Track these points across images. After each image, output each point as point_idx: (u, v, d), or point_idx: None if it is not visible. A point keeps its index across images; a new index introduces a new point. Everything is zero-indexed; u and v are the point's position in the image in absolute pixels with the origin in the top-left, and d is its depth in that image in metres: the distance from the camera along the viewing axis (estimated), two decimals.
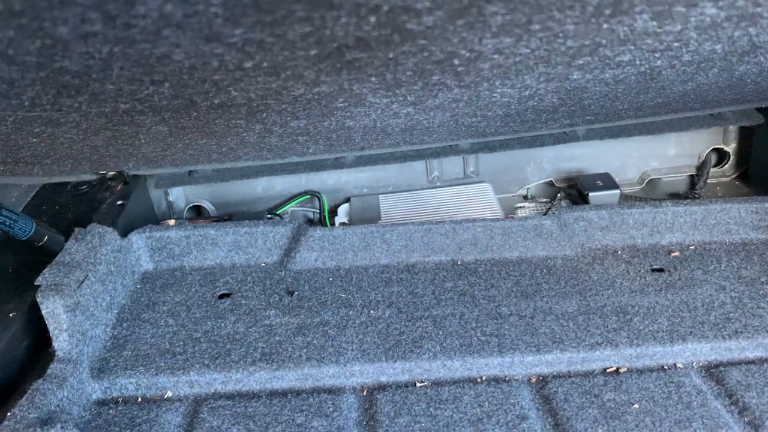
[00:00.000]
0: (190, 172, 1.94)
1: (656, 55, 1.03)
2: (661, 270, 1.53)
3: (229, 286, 1.55)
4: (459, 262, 1.60)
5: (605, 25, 0.82)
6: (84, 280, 1.31)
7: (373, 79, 0.93)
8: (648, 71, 1.15)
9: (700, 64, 1.13)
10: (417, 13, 0.66)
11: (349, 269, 1.59)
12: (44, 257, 1.44)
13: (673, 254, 1.58)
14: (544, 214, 1.93)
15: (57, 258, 1.36)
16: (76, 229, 1.46)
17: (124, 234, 1.57)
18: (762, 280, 1.47)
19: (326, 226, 1.92)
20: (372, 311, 1.43)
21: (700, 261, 1.55)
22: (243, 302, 1.48)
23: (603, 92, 1.30)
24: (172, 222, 1.76)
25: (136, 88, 0.81)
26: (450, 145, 1.92)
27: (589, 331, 1.34)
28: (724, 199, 1.66)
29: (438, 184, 2.01)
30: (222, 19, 0.60)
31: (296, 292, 1.51)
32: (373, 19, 0.66)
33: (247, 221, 1.65)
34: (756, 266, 1.52)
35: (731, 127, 1.95)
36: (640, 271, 1.53)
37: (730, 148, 1.99)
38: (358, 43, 0.73)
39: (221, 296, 1.52)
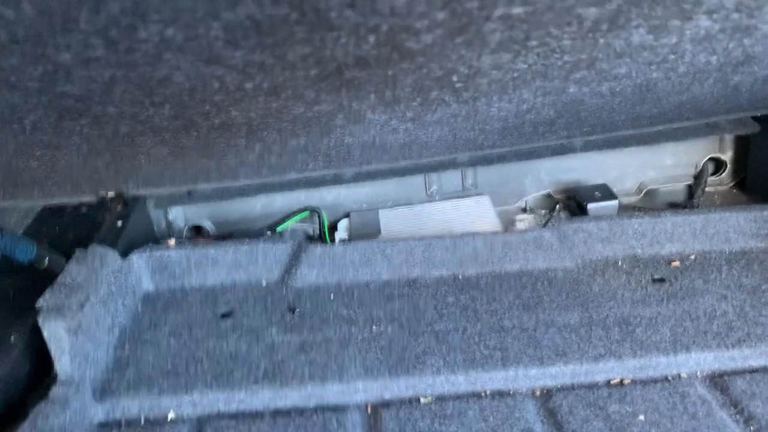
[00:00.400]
0: (189, 191, 1.94)
1: (652, 67, 1.04)
2: (662, 280, 1.53)
3: (231, 305, 1.55)
4: (460, 276, 1.59)
5: (602, 40, 0.83)
6: (85, 301, 1.31)
7: (372, 96, 0.94)
8: (644, 83, 1.16)
9: (695, 75, 1.14)
10: (416, 32, 0.67)
11: (350, 285, 1.59)
12: (45, 280, 1.44)
13: (673, 264, 1.58)
14: (543, 225, 1.93)
15: (58, 280, 1.35)
16: (77, 251, 1.46)
17: (124, 254, 1.57)
18: (763, 288, 1.47)
19: (326, 242, 1.92)
20: (374, 327, 1.43)
21: (701, 270, 1.55)
22: (245, 321, 1.48)
23: (600, 104, 1.31)
24: (172, 242, 1.76)
25: (138, 110, 0.81)
26: (448, 159, 1.93)
27: (592, 342, 1.33)
28: (722, 207, 1.66)
29: (437, 197, 2.02)
30: (223, 42, 0.61)
31: (298, 310, 1.51)
32: (372, 38, 0.67)
33: (248, 239, 1.65)
34: (757, 275, 1.52)
35: (727, 136, 1.96)
36: (641, 281, 1.52)
37: (727, 156, 2.00)
38: (358, 62, 0.74)
39: (223, 315, 1.51)
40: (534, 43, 0.79)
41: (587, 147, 1.92)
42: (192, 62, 0.65)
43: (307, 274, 1.61)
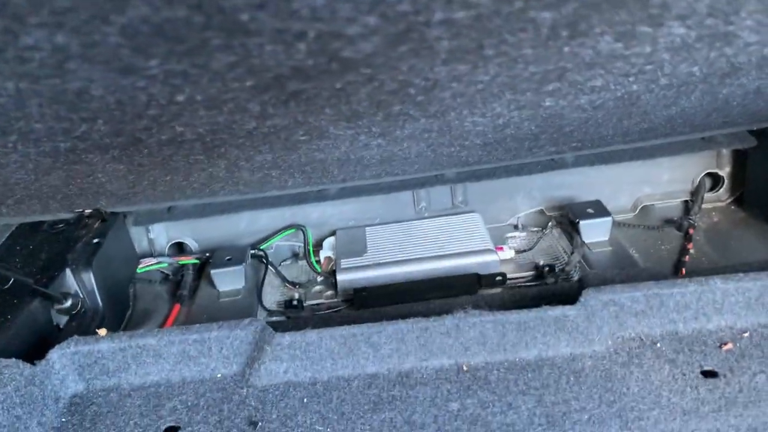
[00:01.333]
0: (169, 208, 1.89)
1: (630, 79, 0.98)
2: (713, 374, 1.21)
3: (178, 414, 1.24)
4: (465, 368, 1.29)
5: (566, 48, 0.77)
6: None
7: (327, 110, 0.88)
8: (626, 96, 1.09)
9: (679, 87, 1.08)
10: (350, 40, 0.61)
11: (327, 382, 1.29)
12: (10, 300, 1.40)
13: (725, 348, 1.26)
14: (535, 243, 1.87)
15: None
16: None
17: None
18: None
19: (311, 260, 1.87)
20: None
21: (761, 357, 1.22)
22: None
23: (582, 118, 1.24)
24: (103, 331, 1.49)
25: (68, 126, 0.76)
26: (436, 175, 1.87)
27: None
28: None
29: (426, 214, 1.96)
30: (129, 50, 0.56)
31: (260, 424, 1.22)
32: (302, 46, 0.61)
33: (197, 326, 1.36)
34: None
35: (724, 150, 1.89)
36: (688, 376, 1.20)
37: (724, 172, 1.93)
38: (296, 73, 0.68)
39: (167, 430, 1.23)
40: (490, 52, 0.73)
41: (579, 162, 1.86)
42: (104, 73, 0.60)
43: (274, 370, 1.31)
